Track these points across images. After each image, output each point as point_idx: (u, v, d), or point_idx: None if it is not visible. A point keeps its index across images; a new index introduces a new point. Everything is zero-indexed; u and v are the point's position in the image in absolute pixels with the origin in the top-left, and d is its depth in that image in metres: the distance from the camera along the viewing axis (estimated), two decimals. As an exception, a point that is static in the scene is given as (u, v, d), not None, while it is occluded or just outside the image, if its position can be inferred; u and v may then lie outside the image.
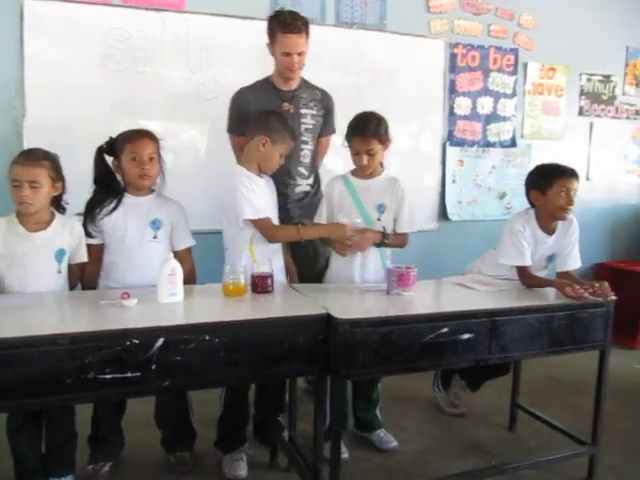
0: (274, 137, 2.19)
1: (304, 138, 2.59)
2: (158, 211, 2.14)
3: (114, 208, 2.08)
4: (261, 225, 2.16)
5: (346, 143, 2.31)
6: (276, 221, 2.31)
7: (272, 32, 2.48)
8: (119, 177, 2.12)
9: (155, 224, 2.12)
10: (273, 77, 2.60)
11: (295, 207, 2.58)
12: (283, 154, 2.25)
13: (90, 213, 2.07)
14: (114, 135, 2.11)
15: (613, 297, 2.13)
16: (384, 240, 2.30)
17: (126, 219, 2.09)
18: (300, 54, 2.47)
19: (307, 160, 2.62)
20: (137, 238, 2.10)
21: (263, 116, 2.28)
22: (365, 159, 2.26)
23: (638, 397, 3.09)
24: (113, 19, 2.93)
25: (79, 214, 2.08)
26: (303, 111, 2.59)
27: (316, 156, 2.70)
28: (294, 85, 2.59)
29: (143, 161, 2.05)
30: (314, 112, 2.63)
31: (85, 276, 2.12)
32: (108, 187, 2.10)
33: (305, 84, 2.65)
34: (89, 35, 2.90)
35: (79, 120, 2.90)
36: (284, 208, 2.49)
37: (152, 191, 2.17)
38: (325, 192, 2.41)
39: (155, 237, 2.12)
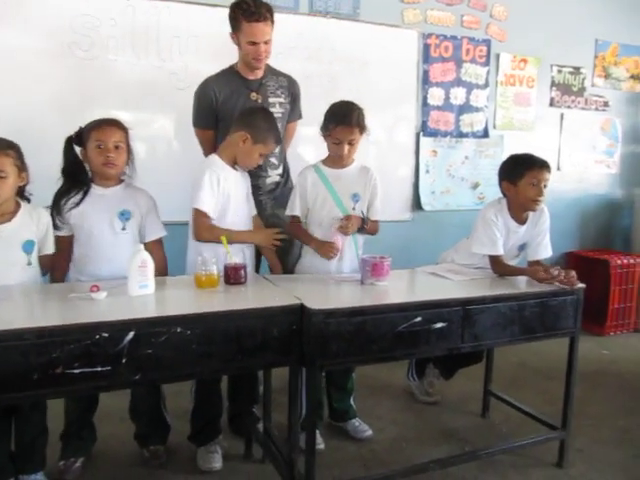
0: (256, 136, 2.15)
1: None
2: (126, 202, 2.09)
3: (81, 199, 2.03)
4: (196, 219, 2.13)
5: (324, 132, 2.27)
6: (249, 213, 2.29)
7: (236, 21, 2.40)
8: (88, 168, 2.07)
9: (124, 215, 2.07)
10: (238, 66, 2.54)
11: (267, 199, 2.56)
12: (263, 154, 2.22)
13: (57, 204, 2.02)
14: (84, 125, 2.06)
15: (580, 285, 2.16)
16: (364, 225, 2.33)
17: (93, 211, 2.04)
18: (266, 42, 2.41)
19: (277, 150, 2.57)
20: (106, 230, 2.05)
21: (251, 112, 2.25)
22: (346, 149, 2.25)
23: (607, 382, 3.16)
24: (81, 5, 2.85)
25: (49, 207, 2.03)
26: (271, 100, 2.55)
27: (284, 142, 2.65)
28: (260, 73, 2.54)
29: (108, 149, 1.99)
30: (282, 100, 2.59)
31: (54, 269, 2.08)
32: (75, 178, 2.05)
33: (270, 71, 2.59)
34: (56, 22, 2.82)
35: (45, 110, 2.83)
36: (256, 200, 2.46)
37: (121, 181, 2.12)
38: (297, 183, 2.37)
39: (124, 229, 2.07)
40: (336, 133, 2.23)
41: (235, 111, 2.40)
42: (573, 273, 2.15)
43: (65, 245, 2.07)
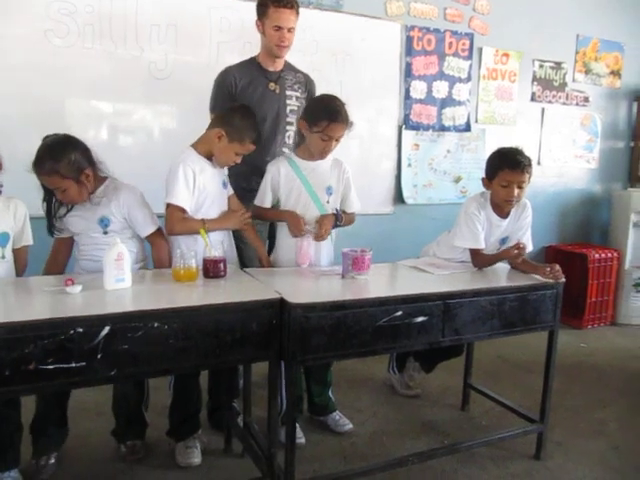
0: (232, 134, 2.11)
1: (289, 119, 2.61)
2: (104, 208, 2.05)
3: (66, 212, 2.06)
4: (169, 213, 2.11)
5: (313, 128, 2.19)
6: (224, 206, 2.25)
7: (263, 7, 2.47)
8: None
9: (103, 222, 2.05)
10: (259, 57, 2.59)
11: None
12: (240, 153, 2.18)
13: (53, 212, 2.05)
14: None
15: (563, 279, 2.18)
16: (337, 222, 2.32)
17: (73, 219, 2.07)
18: (290, 31, 2.48)
19: (291, 141, 2.63)
20: (90, 234, 2.06)
21: (231, 109, 2.22)
22: (334, 145, 2.24)
23: (584, 375, 3.21)
24: (57, -9, 2.77)
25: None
26: (288, 92, 2.61)
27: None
28: (280, 66, 2.60)
29: (58, 197, 2.01)
30: (298, 94, 2.64)
31: (49, 268, 2.11)
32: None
33: (289, 66, 2.66)
34: (31, 9, 2.73)
35: (20, 99, 2.75)
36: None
37: (104, 179, 2.08)
38: (269, 173, 2.31)
39: (106, 233, 2.05)
40: (329, 130, 2.17)
41: (253, 100, 2.46)
42: (558, 267, 2.17)
43: (62, 247, 2.12)
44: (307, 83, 2.69)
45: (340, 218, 2.33)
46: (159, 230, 2.15)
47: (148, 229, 2.12)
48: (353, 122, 2.24)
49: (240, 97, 2.49)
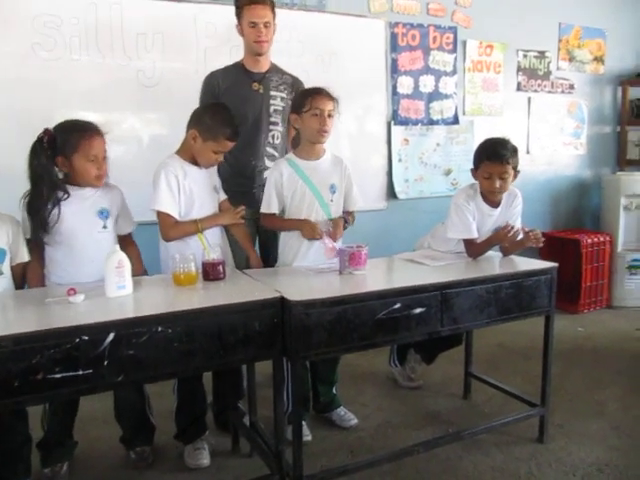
0: (204, 133, 2.12)
1: (273, 119, 2.60)
2: (103, 200, 2.05)
3: (58, 202, 1.94)
4: (161, 220, 2.14)
5: (299, 110, 2.23)
6: (214, 208, 2.26)
7: (239, 9, 2.51)
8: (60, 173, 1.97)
9: (103, 213, 2.04)
10: (244, 60, 2.61)
11: (261, 191, 2.50)
12: (219, 152, 2.17)
13: (37, 212, 1.91)
14: (54, 127, 1.95)
15: (553, 264, 2.24)
16: (346, 224, 2.36)
17: (72, 212, 1.96)
18: (266, 25, 2.48)
19: (277, 141, 2.62)
20: (86, 230, 2.00)
21: (201, 109, 2.23)
22: (328, 121, 2.23)
23: (582, 358, 3.25)
24: (42, 4, 2.79)
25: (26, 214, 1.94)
26: (272, 93, 2.61)
27: (288, 140, 2.65)
28: (265, 67, 2.61)
29: (99, 162, 1.96)
30: (284, 95, 2.63)
31: (31, 278, 2.00)
32: (49, 182, 1.93)
33: (275, 68, 2.66)
34: (17, 23, 2.75)
35: (10, 112, 2.76)
36: (249, 192, 2.46)
37: None
38: (272, 178, 2.30)
39: (105, 227, 2.04)
40: (315, 102, 2.19)
41: (238, 100, 2.46)
42: (538, 231, 2.23)
43: (38, 250, 1.99)
44: (294, 84, 2.67)
45: (348, 221, 2.39)
46: (131, 234, 2.21)
47: (131, 226, 2.18)
48: (338, 100, 2.26)
49: (224, 98, 2.49)
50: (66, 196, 1.95)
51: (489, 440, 2.33)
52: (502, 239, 2.31)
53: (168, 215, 2.12)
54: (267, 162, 2.60)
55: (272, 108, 2.60)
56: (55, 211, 1.93)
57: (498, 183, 2.29)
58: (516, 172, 2.35)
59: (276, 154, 2.62)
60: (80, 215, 1.99)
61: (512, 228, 2.28)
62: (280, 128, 2.63)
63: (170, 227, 2.13)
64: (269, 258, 2.53)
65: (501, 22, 4.09)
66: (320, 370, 2.48)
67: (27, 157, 1.92)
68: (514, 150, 2.33)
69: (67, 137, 1.93)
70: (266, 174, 2.50)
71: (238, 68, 2.60)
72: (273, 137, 2.63)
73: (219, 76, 2.56)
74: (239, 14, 2.52)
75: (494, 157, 2.29)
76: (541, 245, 2.28)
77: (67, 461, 2.14)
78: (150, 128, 3.11)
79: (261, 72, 2.60)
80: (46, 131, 1.93)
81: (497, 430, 2.35)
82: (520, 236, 2.29)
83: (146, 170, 2.90)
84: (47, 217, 1.92)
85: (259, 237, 2.63)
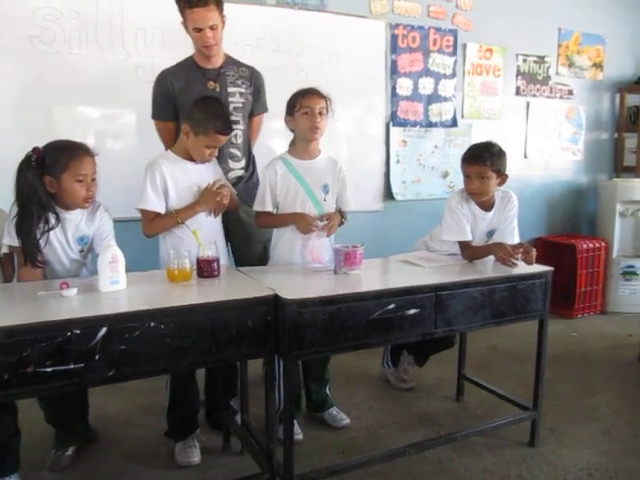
0: (195, 128, 2.11)
1: (234, 118, 2.45)
2: (86, 226, 2.03)
3: (51, 227, 1.93)
4: (143, 218, 2.15)
5: (291, 111, 2.24)
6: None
7: (181, 11, 2.33)
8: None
9: (82, 240, 2.03)
10: (195, 56, 2.48)
11: None
12: (211, 146, 2.15)
13: (31, 240, 1.88)
14: (43, 147, 1.90)
15: (548, 268, 2.23)
16: (342, 220, 2.37)
17: (53, 234, 1.95)
18: (213, 28, 2.32)
19: (239, 141, 2.50)
20: (62, 253, 2.00)
21: (192, 104, 2.20)
22: (320, 119, 2.23)
23: (575, 363, 3.25)
24: (41, -3, 2.78)
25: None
26: (230, 89, 2.48)
27: (250, 137, 2.61)
28: (218, 62, 2.48)
29: (89, 183, 1.93)
30: (242, 90, 2.51)
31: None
32: (39, 204, 1.89)
33: (231, 61, 2.53)
34: (16, 15, 2.73)
35: (6, 107, 2.75)
36: None
37: None
38: (266, 176, 2.30)
39: (81, 251, 2.05)
40: (305, 101, 2.20)
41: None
42: (533, 252, 2.22)
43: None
44: (252, 77, 2.54)
45: (344, 216, 2.39)
46: None
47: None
48: (331, 99, 2.27)
49: (179, 100, 2.42)
50: (58, 223, 1.94)
51: (481, 442, 2.33)
52: (497, 257, 2.26)
53: (147, 211, 2.13)
54: (231, 163, 2.49)
55: (232, 106, 2.46)
56: (45, 236, 1.92)
57: (476, 184, 2.30)
58: (502, 176, 2.33)
59: (239, 154, 2.51)
60: (59, 238, 1.98)
61: (509, 256, 2.21)
62: (241, 126, 2.50)
63: (147, 223, 2.15)
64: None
65: (501, 26, 4.10)
66: (311, 368, 2.48)
67: (14, 176, 1.87)
68: (499, 153, 2.32)
69: (57, 156, 1.89)
70: (231, 175, 2.47)
71: (190, 65, 2.46)
72: (235, 137, 2.48)
73: (171, 76, 2.43)
74: (181, 14, 2.33)
75: (470, 158, 2.33)
76: (532, 264, 2.25)
77: (75, 445, 2.19)
78: (148, 124, 3.08)
79: (215, 68, 2.46)
80: (35, 149, 1.89)
81: (489, 433, 2.35)
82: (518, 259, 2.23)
83: (143, 165, 2.91)
84: (39, 240, 1.90)
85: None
